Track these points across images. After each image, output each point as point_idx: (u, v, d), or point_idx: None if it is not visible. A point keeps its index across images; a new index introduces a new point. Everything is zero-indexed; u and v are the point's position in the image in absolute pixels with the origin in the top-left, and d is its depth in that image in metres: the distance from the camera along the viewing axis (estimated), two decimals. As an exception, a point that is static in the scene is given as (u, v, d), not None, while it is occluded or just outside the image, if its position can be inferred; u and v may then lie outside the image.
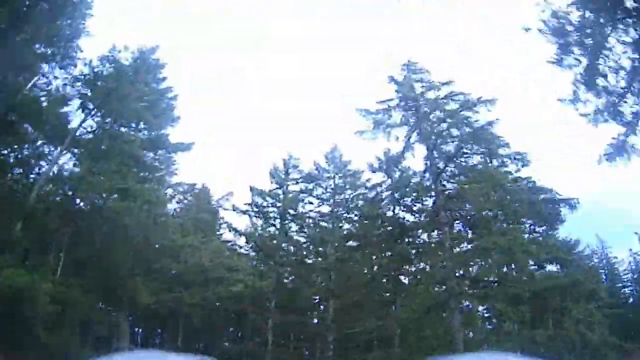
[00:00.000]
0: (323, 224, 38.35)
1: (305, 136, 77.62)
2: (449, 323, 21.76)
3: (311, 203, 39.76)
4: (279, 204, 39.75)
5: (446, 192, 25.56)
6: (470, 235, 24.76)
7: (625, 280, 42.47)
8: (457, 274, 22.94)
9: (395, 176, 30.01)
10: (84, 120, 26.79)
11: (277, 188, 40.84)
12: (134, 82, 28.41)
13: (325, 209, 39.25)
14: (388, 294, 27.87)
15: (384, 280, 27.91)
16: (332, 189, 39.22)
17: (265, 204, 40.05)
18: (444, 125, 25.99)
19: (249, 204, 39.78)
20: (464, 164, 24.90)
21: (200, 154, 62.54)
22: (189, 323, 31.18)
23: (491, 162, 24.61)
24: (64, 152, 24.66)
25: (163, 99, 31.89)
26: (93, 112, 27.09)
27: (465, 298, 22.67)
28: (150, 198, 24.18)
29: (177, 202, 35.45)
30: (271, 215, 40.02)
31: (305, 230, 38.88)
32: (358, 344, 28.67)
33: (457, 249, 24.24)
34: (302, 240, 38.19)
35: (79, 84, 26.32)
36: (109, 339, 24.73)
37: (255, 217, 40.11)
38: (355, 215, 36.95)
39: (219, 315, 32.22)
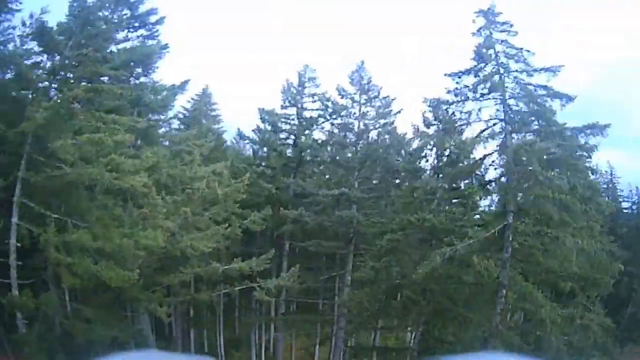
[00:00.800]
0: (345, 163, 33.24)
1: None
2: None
3: (332, 133, 34.09)
4: (293, 128, 33.98)
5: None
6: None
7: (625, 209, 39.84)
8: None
9: (447, 149, 24.55)
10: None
11: (290, 106, 34.53)
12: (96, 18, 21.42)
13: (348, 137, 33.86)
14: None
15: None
16: (356, 117, 33.13)
17: (275, 130, 34.29)
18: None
19: (256, 131, 34.12)
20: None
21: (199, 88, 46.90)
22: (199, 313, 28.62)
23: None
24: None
25: (145, 25, 24.43)
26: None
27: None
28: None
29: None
30: (284, 143, 34.61)
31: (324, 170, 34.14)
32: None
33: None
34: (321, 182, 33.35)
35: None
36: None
37: (265, 147, 34.76)
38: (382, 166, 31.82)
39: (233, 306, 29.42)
